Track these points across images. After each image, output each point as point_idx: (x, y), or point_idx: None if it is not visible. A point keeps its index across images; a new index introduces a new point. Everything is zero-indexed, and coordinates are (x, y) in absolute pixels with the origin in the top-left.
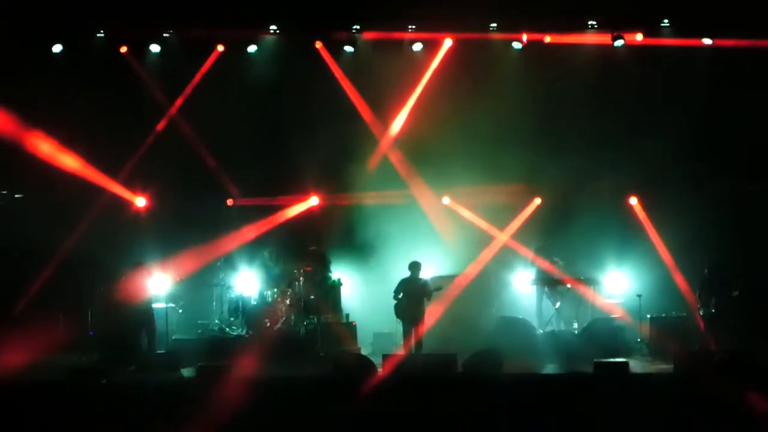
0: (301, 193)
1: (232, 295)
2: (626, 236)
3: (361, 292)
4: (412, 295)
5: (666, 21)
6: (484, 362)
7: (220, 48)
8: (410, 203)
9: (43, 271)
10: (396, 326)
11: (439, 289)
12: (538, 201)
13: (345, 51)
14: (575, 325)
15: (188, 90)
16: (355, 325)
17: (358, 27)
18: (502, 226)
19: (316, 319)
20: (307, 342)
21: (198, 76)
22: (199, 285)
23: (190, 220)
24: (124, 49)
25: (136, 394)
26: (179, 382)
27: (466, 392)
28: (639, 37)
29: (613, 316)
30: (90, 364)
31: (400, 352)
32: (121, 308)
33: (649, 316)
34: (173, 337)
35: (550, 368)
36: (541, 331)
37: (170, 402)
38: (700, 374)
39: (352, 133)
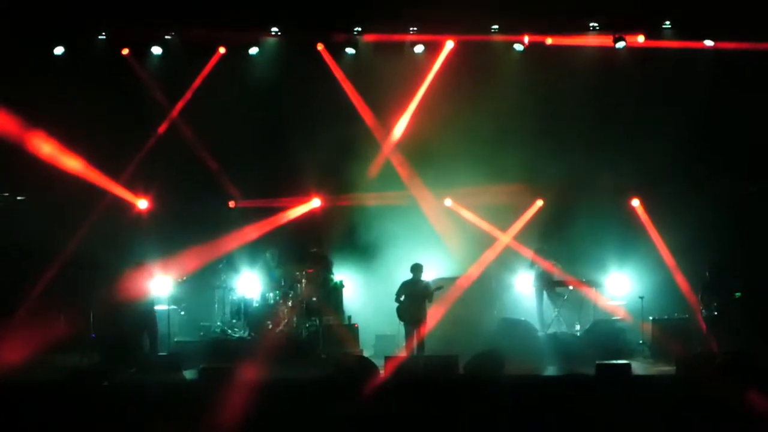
0: (303, 195)
1: (234, 297)
2: (628, 238)
3: (363, 294)
4: (414, 297)
5: (667, 23)
6: (486, 364)
7: (222, 50)
8: (412, 204)
9: (44, 272)
10: (398, 328)
11: (440, 288)
12: (540, 203)
13: (346, 53)
14: (577, 327)
15: (190, 92)
16: (357, 327)
17: (360, 29)
18: (503, 227)
19: (317, 321)
20: (309, 344)
21: (199, 78)
22: (201, 287)
23: (192, 222)
24: (125, 51)
25: (137, 395)
26: (181, 384)
27: (467, 394)
28: (640, 38)
29: (615, 317)
30: (91, 366)
31: (402, 353)
32: (122, 309)
33: (651, 317)
34: (175, 339)
35: (551, 370)
36: (543, 333)
37: (172, 404)
38: (702, 376)
39: (353, 135)
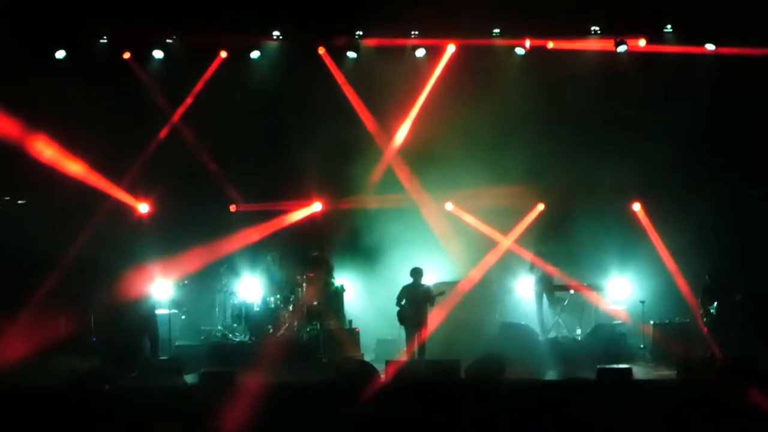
0: (304, 199)
1: (235, 301)
2: (629, 241)
3: (364, 298)
4: (414, 302)
5: (669, 27)
6: (487, 368)
7: (223, 54)
8: (413, 207)
9: (45, 276)
10: (399, 332)
11: (441, 293)
12: (541, 207)
13: (347, 57)
14: (578, 331)
15: (191, 96)
16: (357, 332)
17: (361, 33)
18: (505, 229)
19: (318, 326)
20: (310, 348)
21: (201, 82)
22: (202, 291)
23: (193, 226)
24: (127, 55)
25: (138, 399)
26: (182, 388)
27: (469, 398)
28: (642, 42)
29: (615, 322)
30: (92, 370)
31: (403, 357)
32: (123, 313)
33: (652, 321)
34: (176, 343)
35: (552, 374)
36: (544, 337)
37: (173, 408)
38: (703, 380)
39: (354, 139)
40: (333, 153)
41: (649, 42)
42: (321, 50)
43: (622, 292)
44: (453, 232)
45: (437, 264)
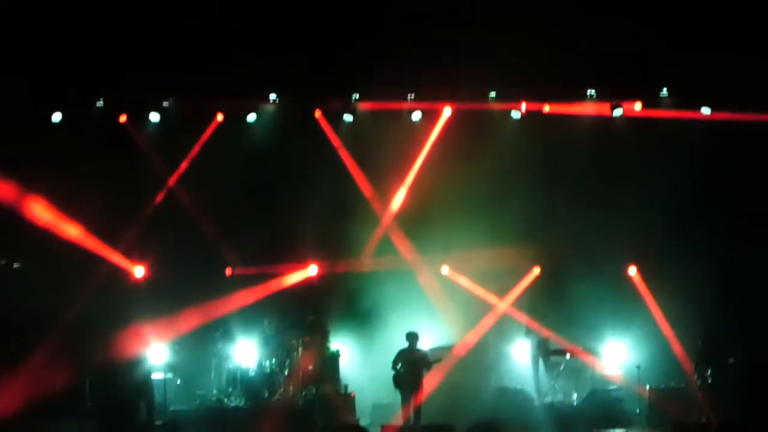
0: (300, 262)
1: (231, 366)
2: (625, 305)
3: (360, 362)
4: (410, 366)
5: (665, 91)
6: None
7: (220, 117)
8: (409, 270)
9: (41, 339)
10: (395, 397)
11: (439, 360)
12: (537, 270)
13: (344, 119)
14: (574, 396)
15: (187, 159)
16: (353, 397)
17: (357, 96)
18: (501, 293)
19: (314, 390)
20: (306, 413)
21: (197, 145)
22: (198, 355)
23: (189, 290)
24: (123, 118)
25: None
26: None
27: None
28: (638, 106)
29: (611, 386)
30: None
31: (399, 422)
32: (119, 377)
33: (648, 386)
34: (171, 408)
35: None
36: (540, 402)
37: None
38: None
39: (350, 202)
40: (329, 216)
41: (645, 106)
42: (317, 113)
43: (618, 356)
44: (448, 297)
45: (433, 328)
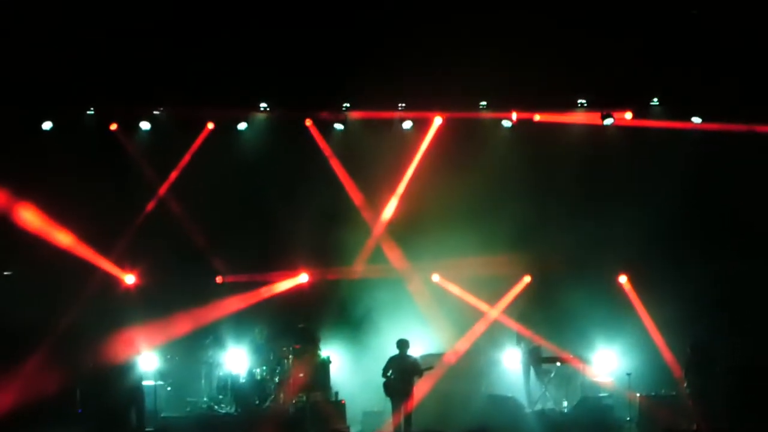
0: (291, 270)
1: (221, 373)
2: (615, 314)
3: (351, 370)
4: (401, 373)
5: (655, 100)
6: None
7: (210, 125)
8: (399, 277)
9: (31, 347)
10: (385, 404)
11: (430, 368)
12: (527, 279)
13: (335, 128)
14: (564, 404)
15: (178, 168)
16: (343, 404)
17: (348, 105)
18: (491, 300)
19: (305, 398)
20: (296, 421)
21: (188, 154)
22: (188, 362)
23: (180, 297)
24: (114, 126)
25: None
26: None
27: None
28: (628, 115)
29: (602, 394)
30: None
31: (389, 430)
32: (110, 384)
33: (638, 394)
34: (162, 415)
35: None
36: (530, 410)
37: None
38: None
39: (341, 209)
40: (320, 224)
41: (635, 115)
42: (308, 122)
43: (608, 363)
44: (439, 305)
45: (424, 335)
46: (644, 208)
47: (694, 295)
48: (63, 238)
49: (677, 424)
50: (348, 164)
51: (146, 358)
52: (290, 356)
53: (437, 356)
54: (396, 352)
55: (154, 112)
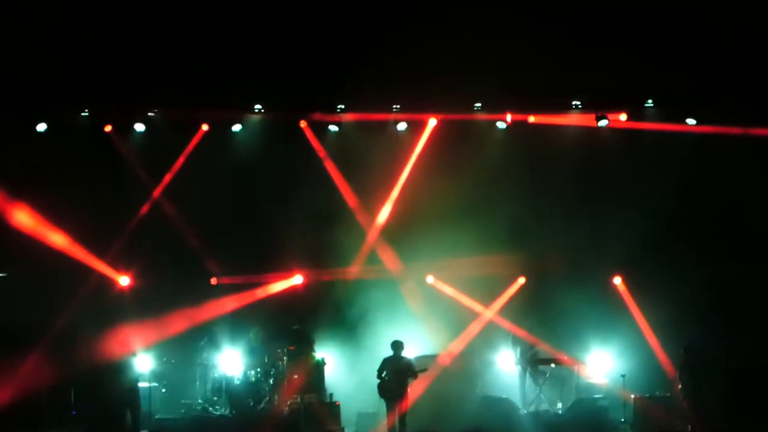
0: (285, 271)
1: (216, 375)
2: (610, 315)
3: (345, 371)
4: (395, 375)
5: (650, 102)
6: None
7: (205, 127)
8: (394, 279)
9: (26, 349)
10: (380, 406)
11: (424, 369)
12: (522, 280)
13: (329, 130)
14: (559, 405)
15: (172, 170)
16: (338, 405)
17: (343, 107)
18: (486, 301)
19: (299, 399)
20: (290, 422)
21: (183, 156)
22: (183, 364)
23: (174, 299)
24: (108, 128)
25: None
26: None
27: None
28: (623, 117)
29: (596, 395)
30: None
31: (384, 431)
32: (105, 386)
33: (633, 395)
34: (156, 417)
35: None
36: (525, 411)
37: None
38: None
39: (336, 211)
40: (314, 225)
41: (630, 117)
42: (303, 123)
43: (603, 365)
44: (433, 306)
45: (418, 336)
46: (639, 210)
47: (689, 297)
48: (58, 239)
49: (672, 425)
50: (343, 166)
51: (141, 360)
52: (285, 358)
53: (432, 357)
54: (390, 353)
55: (149, 114)
